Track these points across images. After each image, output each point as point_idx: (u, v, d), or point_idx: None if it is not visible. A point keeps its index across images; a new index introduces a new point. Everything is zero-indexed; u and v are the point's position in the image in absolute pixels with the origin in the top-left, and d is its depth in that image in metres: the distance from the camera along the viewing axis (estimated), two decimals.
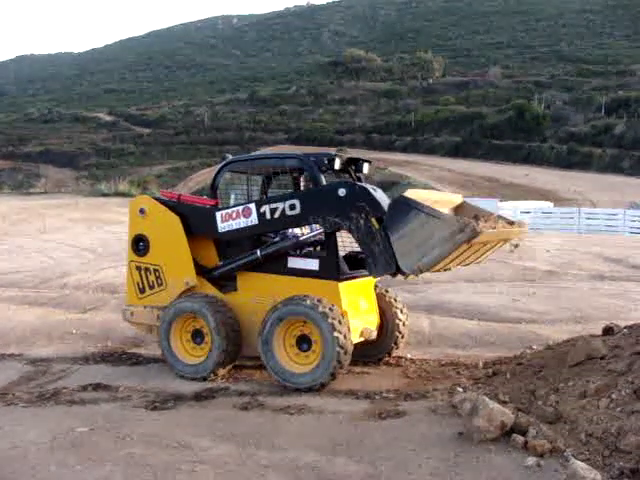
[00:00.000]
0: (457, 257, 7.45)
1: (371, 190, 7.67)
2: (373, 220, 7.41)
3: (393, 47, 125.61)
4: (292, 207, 7.98)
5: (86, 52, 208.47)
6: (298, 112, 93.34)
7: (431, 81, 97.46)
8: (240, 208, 8.34)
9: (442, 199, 8.25)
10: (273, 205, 8.11)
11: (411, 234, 7.10)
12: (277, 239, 8.55)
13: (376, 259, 7.38)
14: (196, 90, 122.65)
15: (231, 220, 8.39)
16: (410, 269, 7.23)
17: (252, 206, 8.26)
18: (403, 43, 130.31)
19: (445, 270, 8.14)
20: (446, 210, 8.03)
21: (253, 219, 8.23)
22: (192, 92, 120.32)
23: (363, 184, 7.93)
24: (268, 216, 8.13)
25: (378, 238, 7.33)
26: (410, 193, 7.33)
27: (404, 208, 7.13)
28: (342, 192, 7.66)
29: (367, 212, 7.45)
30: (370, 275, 8.25)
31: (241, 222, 8.32)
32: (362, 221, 7.46)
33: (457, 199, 8.64)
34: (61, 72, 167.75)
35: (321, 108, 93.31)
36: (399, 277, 7.67)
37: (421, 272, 7.31)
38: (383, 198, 7.63)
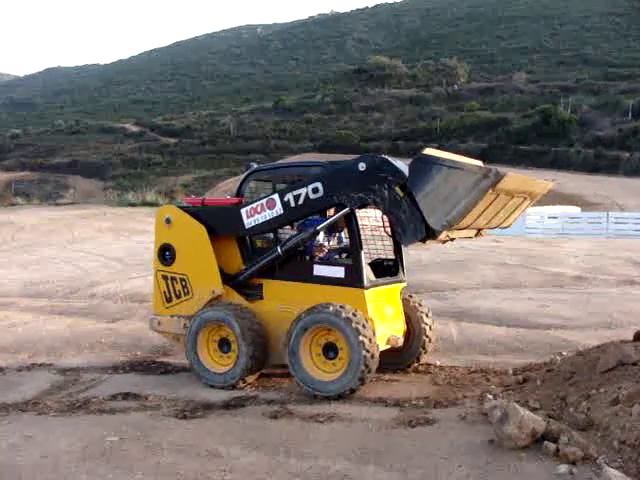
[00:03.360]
0: (485, 210, 7.42)
1: (391, 159, 7.61)
2: (397, 188, 7.30)
3: (417, 54, 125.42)
4: (315, 190, 7.92)
5: (112, 63, 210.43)
6: (323, 120, 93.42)
7: (456, 87, 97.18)
8: (264, 201, 8.30)
9: (462, 159, 8.14)
10: (296, 192, 8.05)
11: (436, 190, 7.01)
12: (295, 233, 8.55)
13: (405, 227, 7.27)
14: (221, 99, 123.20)
15: (257, 214, 8.35)
16: (440, 225, 7.12)
17: (276, 197, 8.21)
18: (427, 50, 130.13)
19: (477, 235, 8.11)
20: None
21: (278, 209, 8.19)
22: (217, 102, 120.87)
23: (382, 155, 7.87)
24: (292, 204, 8.08)
25: (404, 205, 7.22)
26: (429, 151, 7.26)
27: (425, 166, 7.03)
28: (362, 166, 7.59)
29: (390, 181, 7.36)
30: (402, 244, 8.23)
31: (267, 214, 8.28)
32: (386, 191, 7.36)
33: (477, 164, 8.48)
34: (88, 84, 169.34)
35: (346, 116, 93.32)
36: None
37: (451, 227, 7.24)
38: (403, 166, 7.54)
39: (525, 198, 8.16)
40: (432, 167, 7.00)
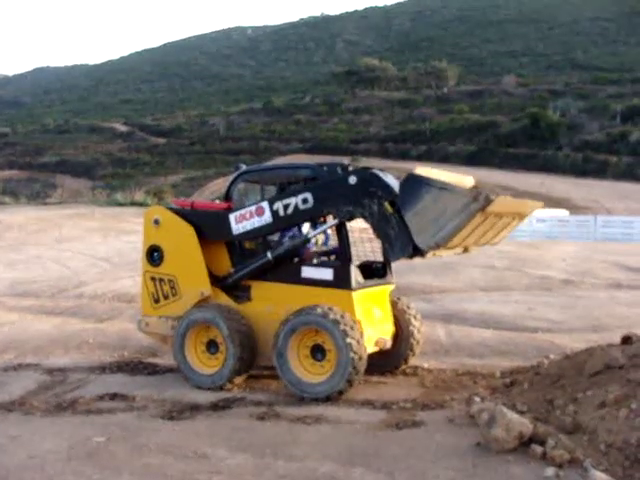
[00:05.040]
0: (473, 231, 7.41)
1: (382, 175, 7.62)
2: (386, 204, 7.33)
3: (407, 56, 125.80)
4: (305, 201, 7.94)
5: (102, 63, 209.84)
6: (313, 122, 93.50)
7: (445, 90, 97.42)
8: (253, 208, 8.29)
9: (453, 179, 8.15)
10: (286, 201, 8.06)
11: (425, 210, 7.03)
12: (286, 239, 8.56)
13: (392, 243, 7.31)
14: (211, 100, 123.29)
15: (245, 221, 8.35)
16: (427, 245, 7.15)
17: (265, 204, 8.22)
18: (417, 52, 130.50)
19: (464, 251, 8.11)
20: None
21: (267, 217, 8.19)
22: (207, 102, 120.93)
23: (373, 170, 7.89)
24: (282, 213, 8.09)
25: (393, 221, 7.25)
26: (420, 170, 7.28)
27: (415, 185, 7.07)
28: (353, 180, 7.61)
29: (379, 197, 7.38)
30: (389, 259, 8.21)
31: (255, 222, 8.28)
32: (375, 207, 7.38)
33: (469, 182, 8.31)
34: (77, 83, 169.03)
35: (336, 117, 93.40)
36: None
37: (438, 247, 7.24)
38: (394, 181, 7.57)
39: (514, 218, 8.17)
40: (422, 187, 7.03)
